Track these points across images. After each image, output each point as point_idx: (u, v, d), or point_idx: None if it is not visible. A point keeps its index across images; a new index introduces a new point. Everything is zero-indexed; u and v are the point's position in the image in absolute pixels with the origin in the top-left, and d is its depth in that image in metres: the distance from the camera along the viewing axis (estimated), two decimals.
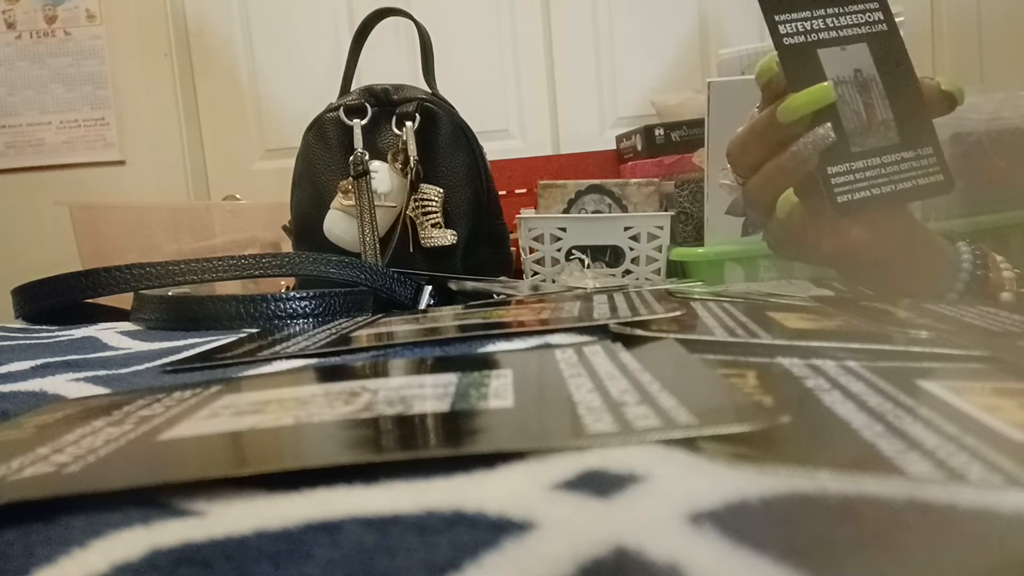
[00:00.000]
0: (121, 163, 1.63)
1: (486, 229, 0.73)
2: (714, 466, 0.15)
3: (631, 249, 0.82)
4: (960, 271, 0.43)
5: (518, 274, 0.86)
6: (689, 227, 0.81)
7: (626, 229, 0.82)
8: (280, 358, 0.30)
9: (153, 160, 1.62)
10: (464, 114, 0.73)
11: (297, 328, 0.40)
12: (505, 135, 1.59)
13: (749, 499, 0.13)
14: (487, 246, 0.73)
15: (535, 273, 0.85)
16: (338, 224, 0.68)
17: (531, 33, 1.60)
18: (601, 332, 0.29)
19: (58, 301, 0.49)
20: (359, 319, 0.42)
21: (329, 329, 0.38)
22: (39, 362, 0.33)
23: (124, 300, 0.50)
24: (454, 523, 0.13)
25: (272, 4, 1.61)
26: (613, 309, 0.34)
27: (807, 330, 0.28)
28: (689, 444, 0.16)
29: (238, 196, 1.33)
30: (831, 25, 0.40)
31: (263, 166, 1.63)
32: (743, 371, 0.22)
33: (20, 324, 0.49)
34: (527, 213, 0.89)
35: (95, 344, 0.38)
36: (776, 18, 0.39)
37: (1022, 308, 0.35)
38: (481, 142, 0.74)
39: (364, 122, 0.69)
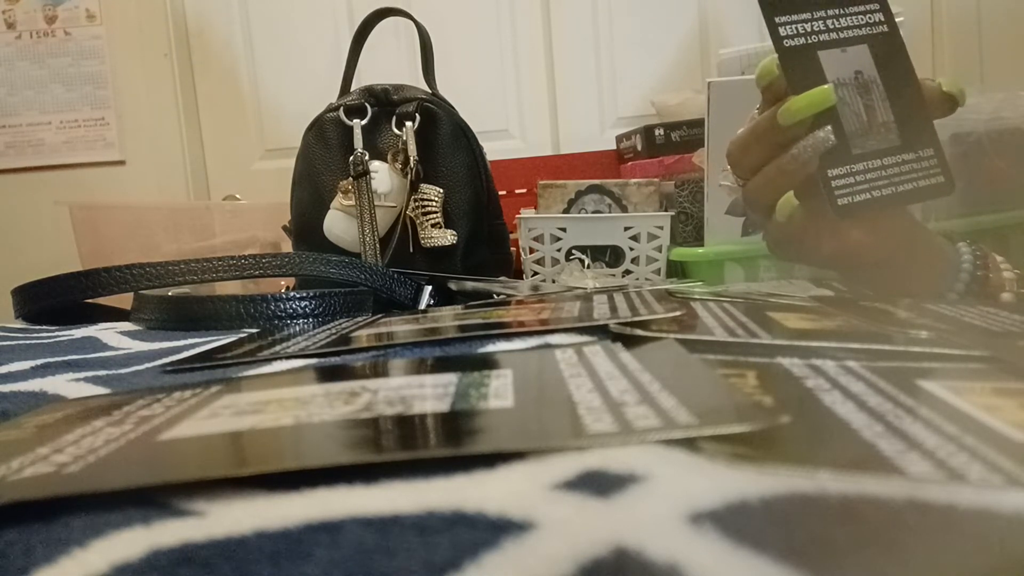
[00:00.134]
0: (121, 163, 1.63)
1: (486, 229, 0.73)
2: (714, 466, 0.15)
3: (631, 249, 0.82)
4: (960, 272, 0.43)
5: (518, 274, 0.86)
6: (689, 227, 0.81)
7: (626, 229, 0.82)
8: (280, 358, 0.30)
9: (153, 160, 1.62)
10: (464, 114, 0.73)
11: (297, 328, 0.40)
12: (505, 135, 1.59)
13: (749, 499, 0.13)
14: (487, 246, 0.73)
15: (535, 273, 0.85)
16: (338, 224, 0.68)
17: (531, 33, 1.60)
18: (601, 332, 0.29)
19: (58, 301, 0.49)
20: (359, 319, 0.42)
21: (329, 329, 0.38)
22: (39, 362, 0.33)
23: (124, 300, 0.50)
24: (454, 523, 0.13)
25: (272, 4, 1.61)
26: (613, 309, 0.34)
27: (807, 330, 0.28)
28: (689, 444, 0.16)
29: (238, 196, 1.33)
30: (831, 27, 0.40)
31: (263, 166, 1.63)
32: (743, 371, 0.22)
33: (20, 324, 0.49)
34: (527, 213, 0.89)
35: (95, 344, 0.38)
36: (776, 20, 0.39)
37: (1022, 308, 0.35)
38: (481, 142, 0.74)
39: (364, 122, 0.69)
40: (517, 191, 1.20)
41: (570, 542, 0.12)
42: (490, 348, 0.28)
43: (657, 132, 1.05)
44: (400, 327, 0.36)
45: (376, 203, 0.67)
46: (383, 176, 0.68)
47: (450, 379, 0.22)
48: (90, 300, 0.50)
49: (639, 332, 0.28)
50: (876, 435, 0.16)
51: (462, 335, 0.31)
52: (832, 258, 0.43)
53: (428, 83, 0.76)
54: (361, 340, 0.32)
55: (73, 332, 0.43)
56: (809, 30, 0.40)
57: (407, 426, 0.18)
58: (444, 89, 0.76)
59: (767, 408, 0.18)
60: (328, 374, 0.25)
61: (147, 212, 1.23)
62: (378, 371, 0.25)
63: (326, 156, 0.71)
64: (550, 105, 1.61)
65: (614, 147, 1.23)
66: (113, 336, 0.41)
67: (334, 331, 0.36)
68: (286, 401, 0.21)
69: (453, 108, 0.73)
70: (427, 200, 0.68)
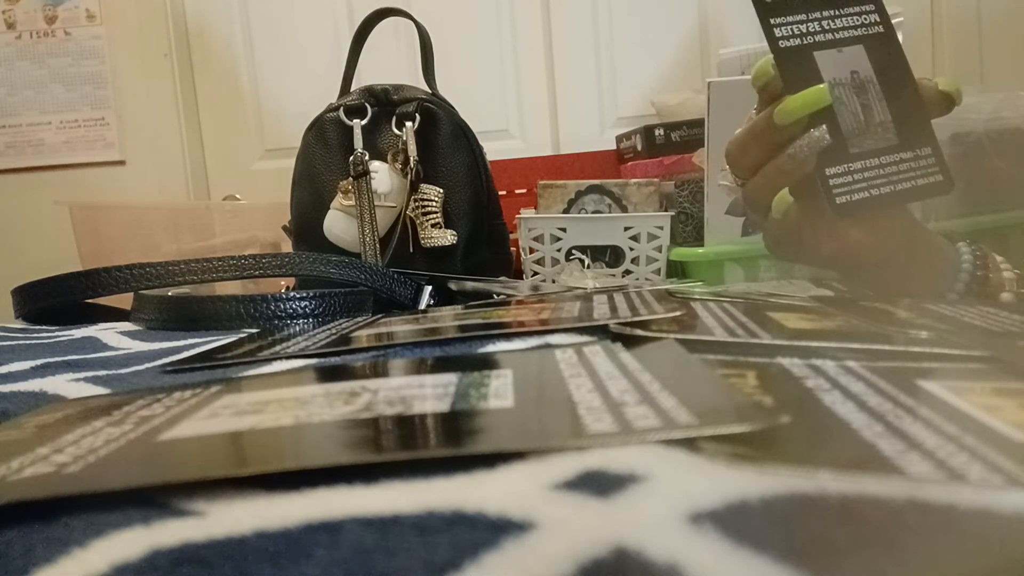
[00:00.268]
0: (121, 163, 1.63)
1: (486, 229, 0.73)
2: (714, 466, 0.15)
3: (631, 249, 0.82)
4: (960, 271, 0.43)
5: (518, 274, 0.86)
6: (689, 227, 0.81)
7: (626, 229, 0.82)
8: (280, 358, 0.30)
9: (153, 160, 1.62)
10: (464, 114, 0.73)
11: (297, 328, 0.40)
12: (505, 135, 1.59)
13: (749, 499, 0.13)
14: (487, 246, 0.73)
15: (535, 273, 0.85)
16: (338, 224, 0.68)
17: (531, 33, 1.60)
18: (601, 332, 0.29)
19: (58, 301, 0.49)
20: (359, 319, 0.42)
21: (329, 329, 0.38)
22: (39, 362, 0.33)
23: (124, 300, 0.50)
24: (454, 523, 0.13)
25: (272, 4, 1.61)
26: (613, 309, 0.34)
27: (807, 330, 0.28)
28: (689, 444, 0.16)
29: (238, 196, 1.33)
30: (827, 27, 0.40)
31: (263, 166, 1.63)
32: (743, 371, 0.22)
33: (20, 324, 0.49)
34: (527, 213, 0.89)
35: (95, 344, 0.38)
36: (771, 21, 0.39)
37: (1022, 308, 0.35)
38: (481, 142, 0.74)
39: (364, 122, 0.69)
40: (517, 191, 1.20)
41: (570, 542, 0.12)
42: (490, 348, 0.28)
43: (657, 132, 1.05)
44: (400, 327, 0.36)
45: (376, 203, 0.67)
46: (383, 176, 0.68)
47: (450, 379, 0.22)
48: (90, 300, 0.50)
49: (639, 332, 0.28)
50: (876, 435, 0.16)
51: (462, 335, 0.31)
52: (832, 258, 0.43)
53: (428, 83, 0.76)
54: (361, 340, 0.32)
55: (73, 332, 0.43)
56: (804, 31, 0.40)
57: (407, 426, 0.18)
58: (444, 89, 0.76)
59: (767, 408, 0.18)
60: (328, 374, 0.25)
61: (147, 212, 1.23)
62: (378, 371, 0.25)
63: (326, 156, 0.71)
64: (550, 105, 1.61)
65: (614, 147, 1.23)
66: (113, 336, 0.41)
67: (334, 331, 0.36)
68: (286, 401, 0.21)
69: (453, 108, 0.73)
70: (427, 200, 0.68)
